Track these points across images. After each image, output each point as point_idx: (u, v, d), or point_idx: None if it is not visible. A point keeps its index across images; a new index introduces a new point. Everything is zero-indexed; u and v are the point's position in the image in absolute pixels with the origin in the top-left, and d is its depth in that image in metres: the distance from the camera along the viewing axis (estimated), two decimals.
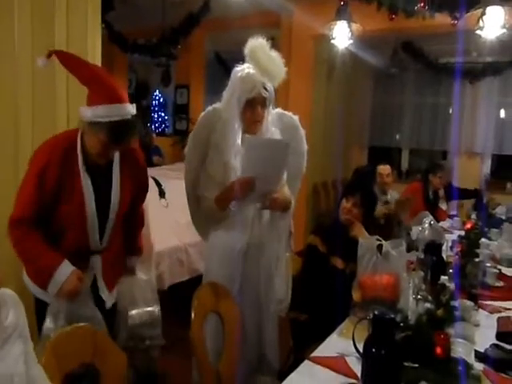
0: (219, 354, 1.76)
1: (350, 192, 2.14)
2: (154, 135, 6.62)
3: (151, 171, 3.28)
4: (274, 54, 1.80)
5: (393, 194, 3.72)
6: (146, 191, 1.86)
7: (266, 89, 1.77)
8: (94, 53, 2.70)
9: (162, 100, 8.06)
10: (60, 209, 1.56)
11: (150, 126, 7.84)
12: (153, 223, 2.77)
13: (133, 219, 1.83)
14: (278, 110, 2.03)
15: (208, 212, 1.94)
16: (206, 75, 6.46)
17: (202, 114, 1.97)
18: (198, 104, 6.32)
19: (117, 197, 1.64)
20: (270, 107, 1.88)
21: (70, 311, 1.56)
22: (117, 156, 1.64)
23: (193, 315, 1.64)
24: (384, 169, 3.70)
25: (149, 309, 1.93)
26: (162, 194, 3.00)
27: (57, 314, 1.55)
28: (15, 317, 0.94)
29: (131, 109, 1.54)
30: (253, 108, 1.79)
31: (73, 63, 1.61)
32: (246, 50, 1.79)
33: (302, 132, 2.04)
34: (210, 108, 1.95)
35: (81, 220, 1.59)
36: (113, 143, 1.50)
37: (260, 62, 1.75)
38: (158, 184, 3.01)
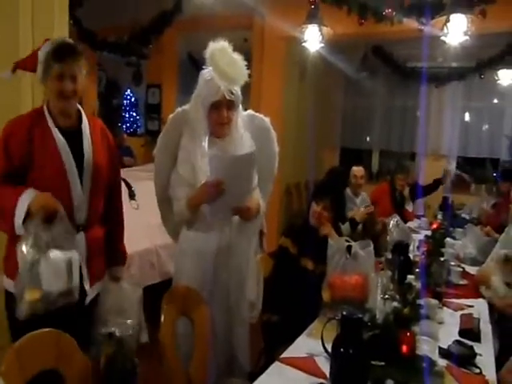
0: (189, 357, 1.75)
1: (319, 195, 2.17)
2: (125, 135, 6.50)
3: (122, 173, 3.22)
4: (236, 57, 1.79)
5: (363, 196, 3.79)
6: (118, 160, 1.92)
7: (231, 92, 1.77)
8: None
9: (133, 99, 7.94)
10: (36, 175, 1.57)
11: (121, 125, 7.70)
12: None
13: (112, 212, 1.86)
14: (249, 111, 2.04)
15: (178, 214, 1.92)
16: (179, 75, 6.40)
17: (171, 115, 1.95)
18: (171, 104, 6.26)
19: (89, 153, 1.67)
20: (239, 109, 1.87)
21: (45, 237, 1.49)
22: (85, 121, 1.70)
23: (162, 318, 1.62)
24: (358, 170, 3.74)
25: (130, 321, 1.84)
26: (132, 195, 2.95)
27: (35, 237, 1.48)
28: None
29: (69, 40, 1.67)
30: (218, 111, 1.79)
31: (31, 62, 1.66)
32: (207, 54, 1.77)
33: (274, 134, 2.04)
34: (179, 109, 1.94)
35: (61, 179, 1.60)
36: (56, 60, 1.57)
37: (219, 65, 1.74)
38: (128, 186, 2.96)
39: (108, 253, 1.84)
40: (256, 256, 2.06)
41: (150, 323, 2.06)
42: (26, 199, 1.49)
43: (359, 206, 3.50)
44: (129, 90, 7.88)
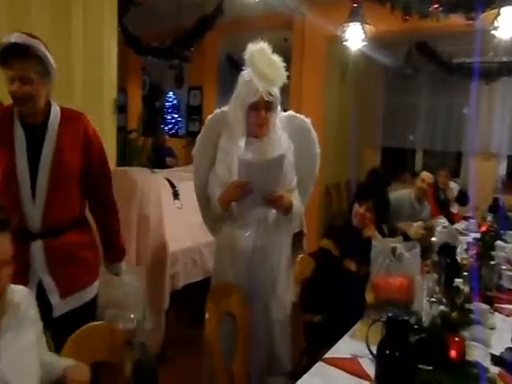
0: (232, 354, 1.78)
1: (362, 196, 2.13)
2: (167, 136, 6.68)
3: (164, 173, 3.32)
4: (275, 58, 1.80)
5: (427, 208, 3.56)
6: (102, 162, 1.73)
7: (270, 93, 1.77)
8: (109, 56, 2.76)
9: (175, 102, 8.13)
10: None
11: (164, 127, 7.91)
12: (167, 224, 2.81)
13: (101, 208, 1.74)
14: (290, 112, 2.04)
15: (214, 212, 1.96)
16: (219, 77, 6.50)
17: (210, 116, 1.98)
18: (211, 105, 6.37)
19: (48, 154, 1.52)
20: (277, 110, 1.88)
21: None
22: (56, 117, 1.58)
23: (207, 315, 1.66)
24: (428, 176, 3.54)
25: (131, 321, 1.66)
26: (175, 195, 3.03)
27: None
28: (26, 306, 1.06)
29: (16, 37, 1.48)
30: (257, 111, 1.80)
31: None
32: (246, 55, 1.79)
33: (314, 135, 2.03)
34: (217, 111, 1.97)
35: (11, 180, 1.47)
36: (3, 65, 1.47)
37: (258, 66, 1.76)
38: (172, 185, 3.04)
39: (104, 249, 1.76)
40: (289, 257, 2.03)
41: (192, 320, 2.11)
42: None
43: (419, 216, 3.32)
44: (171, 93, 8.08)
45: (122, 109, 6.25)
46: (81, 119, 1.66)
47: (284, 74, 1.81)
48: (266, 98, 1.77)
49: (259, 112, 1.80)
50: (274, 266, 1.94)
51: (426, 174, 3.56)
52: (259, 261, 1.88)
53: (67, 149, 1.56)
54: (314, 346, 2.03)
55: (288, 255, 2.03)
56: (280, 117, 1.94)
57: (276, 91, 1.81)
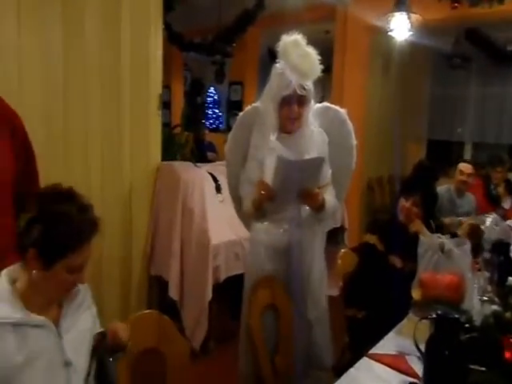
0: (273, 346, 1.79)
1: (408, 191, 2.08)
2: (207, 131, 6.77)
3: (206, 167, 3.38)
4: (309, 50, 1.75)
5: (469, 198, 3.44)
6: (31, 163, 1.50)
7: (303, 87, 1.72)
8: (155, 54, 2.84)
9: (216, 97, 8.23)
10: None
11: (204, 122, 8.03)
12: (210, 217, 2.86)
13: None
14: (324, 103, 1.99)
15: (245, 211, 1.97)
16: (260, 71, 6.51)
17: (241, 113, 1.97)
18: (252, 100, 6.33)
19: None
20: (311, 105, 1.82)
21: None
22: None
23: (250, 309, 1.68)
24: (465, 167, 3.40)
25: None
26: (218, 189, 3.07)
27: None
28: (83, 293, 1.14)
29: None
30: (289, 105, 1.75)
31: None
32: (279, 47, 1.75)
33: (350, 126, 1.97)
34: (249, 107, 1.95)
35: None
36: None
37: (290, 59, 1.71)
38: (215, 179, 3.09)
39: None
40: (322, 253, 2.00)
41: (234, 312, 2.14)
42: None
43: (460, 209, 3.22)
44: (212, 88, 8.18)
45: (165, 105, 6.39)
46: (14, 118, 1.45)
47: (318, 66, 1.75)
48: (299, 92, 1.72)
49: (292, 106, 1.75)
50: (308, 262, 1.91)
51: (463, 165, 3.42)
52: (294, 257, 1.86)
53: None
54: (356, 341, 2.01)
55: (321, 252, 2.00)
56: (314, 109, 1.90)
57: (309, 85, 1.75)
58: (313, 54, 1.75)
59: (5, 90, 2.05)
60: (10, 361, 0.96)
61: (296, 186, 1.74)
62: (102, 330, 1.16)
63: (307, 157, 1.77)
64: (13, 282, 1.03)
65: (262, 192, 1.76)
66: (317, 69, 1.75)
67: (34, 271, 1.00)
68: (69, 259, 0.99)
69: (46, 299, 1.05)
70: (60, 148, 2.37)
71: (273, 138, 1.81)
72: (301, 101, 1.76)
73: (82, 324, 1.12)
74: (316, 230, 1.95)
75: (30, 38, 2.18)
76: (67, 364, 1.05)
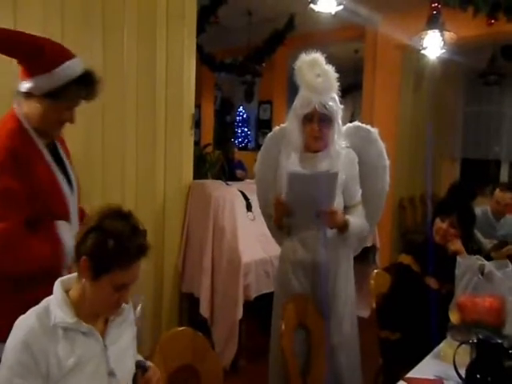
0: (305, 365, 1.77)
1: (445, 211, 2.02)
2: (237, 149, 6.86)
3: (237, 185, 3.42)
4: (327, 68, 1.76)
5: (508, 219, 3.24)
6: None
7: (325, 106, 1.74)
8: (189, 75, 2.93)
9: (245, 116, 8.35)
10: (39, 205, 1.34)
11: (234, 140, 8.15)
12: (240, 235, 2.88)
13: None
14: (355, 123, 2.00)
15: (273, 230, 1.99)
16: (289, 91, 6.57)
17: (270, 133, 2.02)
18: (281, 119, 6.37)
19: (72, 172, 1.50)
20: (336, 125, 1.82)
21: None
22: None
23: (283, 326, 1.67)
24: (503, 197, 3.18)
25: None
26: (248, 207, 3.09)
27: None
28: (127, 310, 1.18)
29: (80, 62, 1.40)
30: (311, 123, 1.77)
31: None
32: (295, 66, 1.78)
33: (382, 146, 1.95)
34: (277, 127, 2.00)
35: (64, 207, 1.40)
36: (87, 97, 1.38)
37: (305, 78, 1.74)
38: (246, 198, 3.11)
39: None
40: (348, 274, 1.96)
41: (264, 330, 2.13)
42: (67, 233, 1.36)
43: (500, 233, 3.10)
44: (241, 107, 8.31)
45: (195, 124, 6.53)
46: (63, 140, 1.59)
47: (335, 83, 1.77)
48: (319, 110, 1.74)
49: (313, 124, 1.77)
50: (331, 284, 1.88)
51: (500, 196, 3.19)
52: (319, 277, 1.85)
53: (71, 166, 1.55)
54: (390, 364, 1.95)
55: (348, 274, 1.95)
56: (344, 129, 1.91)
57: (332, 104, 1.76)
58: (330, 71, 1.77)
59: None
60: (61, 362, 1.00)
61: (311, 200, 1.72)
62: (143, 361, 1.17)
63: (330, 171, 1.77)
64: (66, 290, 1.10)
65: (278, 204, 1.79)
66: (334, 85, 1.77)
67: (84, 280, 1.05)
68: (115, 275, 1.03)
69: (94, 311, 1.09)
70: (99, 166, 2.46)
71: (295, 156, 1.84)
72: (323, 120, 1.77)
73: (124, 339, 1.15)
74: (340, 252, 1.91)
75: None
76: (111, 374, 1.08)
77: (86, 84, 1.37)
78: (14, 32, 1.40)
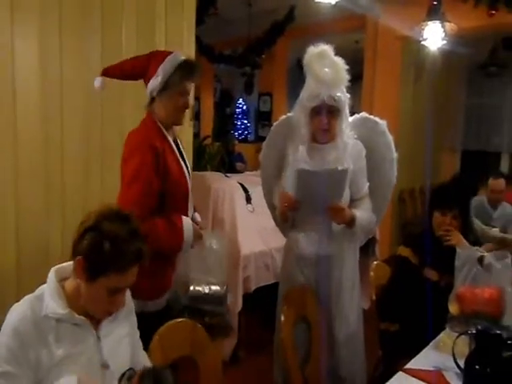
0: (304, 358, 1.77)
1: (447, 205, 2.00)
2: (236, 142, 6.84)
3: (236, 177, 3.41)
4: (336, 60, 1.74)
5: (505, 209, 3.31)
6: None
7: (333, 98, 1.71)
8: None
9: (245, 108, 8.32)
10: (168, 192, 1.60)
11: (233, 133, 8.12)
12: (240, 228, 2.88)
13: None
14: (363, 114, 1.97)
15: (277, 221, 1.99)
16: (289, 82, 6.54)
17: (276, 122, 2.00)
18: (281, 111, 6.42)
19: (190, 166, 1.75)
20: (344, 116, 1.80)
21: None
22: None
23: (283, 318, 1.67)
24: (496, 184, 3.27)
25: (214, 286, 1.73)
26: (248, 199, 3.09)
27: None
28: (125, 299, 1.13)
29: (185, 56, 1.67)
30: (319, 116, 1.75)
31: (118, 70, 1.72)
32: (304, 59, 1.75)
33: (389, 138, 1.93)
34: (283, 116, 1.97)
35: (186, 197, 1.67)
36: (188, 78, 1.61)
37: (315, 69, 1.71)
38: (245, 190, 3.11)
39: None
40: (354, 269, 1.95)
41: (264, 322, 2.14)
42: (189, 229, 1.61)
43: (496, 220, 3.12)
44: (241, 99, 8.28)
45: (195, 116, 6.52)
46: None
47: (345, 76, 1.74)
48: (328, 103, 1.71)
49: (321, 117, 1.74)
50: (336, 278, 1.88)
51: (494, 183, 3.27)
52: (323, 271, 1.84)
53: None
54: (390, 355, 1.96)
55: (353, 268, 1.95)
56: (352, 120, 1.89)
57: (340, 95, 1.74)
58: (339, 63, 1.75)
59: (48, 111, 2.18)
60: (52, 353, 1.00)
61: (320, 197, 1.71)
62: (132, 369, 1.09)
63: (340, 168, 1.75)
64: (62, 279, 1.08)
65: (285, 204, 1.78)
66: (343, 78, 1.74)
67: (79, 280, 1.04)
68: (110, 279, 1.01)
69: (87, 309, 1.07)
70: (97, 164, 2.42)
71: (302, 148, 1.82)
72: (331, 112, 1.75)
73: (120, 330, 1.14)
74: (346, 246, 1.91)
75: (72, 55, 2.28)
76: (104, 366, 1.08)
77: (185, 69, 1.61)
78: (128, 62, 1.71)
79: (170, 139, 1.65)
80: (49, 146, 2.20)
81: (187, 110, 1.71)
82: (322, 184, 1.69)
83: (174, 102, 1.62)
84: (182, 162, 1.67)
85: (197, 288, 1.68)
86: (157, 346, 1.31)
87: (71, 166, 2.29)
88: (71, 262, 1.08)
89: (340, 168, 1.73)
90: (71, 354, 1.02)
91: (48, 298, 1.03)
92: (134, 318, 1.22)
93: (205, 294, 1.68)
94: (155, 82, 1.59)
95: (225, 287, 1.72)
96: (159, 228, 1.54)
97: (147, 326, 1.28)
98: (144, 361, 1.23)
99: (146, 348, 1.28)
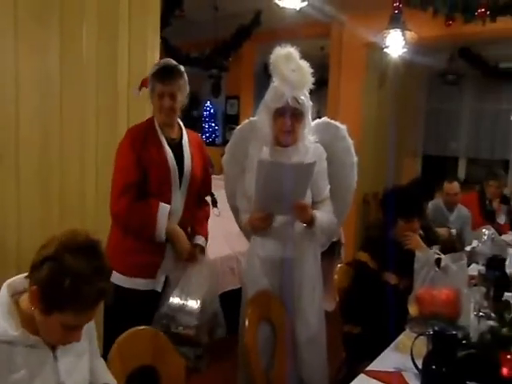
0: (269, 362, 1.77)
1: (409, 214, 2.05)
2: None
3: None
4: (301, 63, 1.76)
5: (460, 211, 3.47)
6: (210, 167, 2.14)
7: (297, 100, 1.73)
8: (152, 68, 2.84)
9: (212, 111, 8.27)
10: (148, 179, 1.78)
11: (201, 136, 8.05)
12: None
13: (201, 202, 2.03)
14: (325, 119, 2.00)
15: (241, 227, 2.00)
16: (256, 86, 6.56)
17: (238, 126, 2.01)
18: (248, 114, 6.40)
19: (189, 166, 1.85)
20: (306, 120, 1.82)
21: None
22: (185, 135, 1.90)
23: (246, 322, 1.66)
24: (451, 188, 3.42)
25: (190, 300, 1.84)
26: (214, 203, 3.06)
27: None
28: None
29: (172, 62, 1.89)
30: (282, 118, 1.76)
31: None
32: (271, 59, 1.77)
33: (349, 143, 1.97)
34: (246, 121, 1.99)
35: (166, 186, 1.80)
36: (159, 81, 1.78)
37: (281, 70, 1.73)
38: (211, 193, 3.08)
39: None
40: (317, 272, 1.97)
41: (229, 327, 2.12)
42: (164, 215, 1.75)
43: (453, 223, 3.25)
44: (208, 102, 8.22)
45: None
46: (197, 136, 2.02)
47: (310, 79, 1.76)
48: (292, 104, 1.73)
49: (285, 119, 1.75)
50: (297, 279, 1.89)
51: (448, 186, 3.44)
52: (287, 273, 1.85)
53: (196, 163, 1.89)
54: (353, 357, 1.99)
55: (315, 270, 1.96)
56: (313, 124, 1.90)
57: (304, 99, 1.75)
58: (304, 66, 1.77)
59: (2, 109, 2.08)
60: (6, 377, 0.93)
61: (281, 193, 1.70)
62: None
63: (306, 162, 1.76)
64: (16, 293, 1.00)
65: (257, 220, 1.81)
66: (308, 80, 1.76)
67: (33, 308, 0.96)
68: (65, 316, 0.93)
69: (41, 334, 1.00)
70: (57, 172, 2.33)
71: (266, 149, 1.82)
72: (294, 114, 1.76)
73: (78, 347, 1.08)
74: (307, 247, 1.91)
75: (29, 56, 2.18)
76: None
77: (157, 73, 1.81)
78: None
79: (160, 134, 1.82)
80: None
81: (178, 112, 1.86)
82: (287, 178, 1.68)
83: (154, 104, 1.83)
84: (172, 155, 1.81)
85: (176, 298, 1.82)
86: (116, 355, 1.27)
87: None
88: (22, 276, 1.01)
89: (306, 162, 1.74)
90: (25, 378, 0.95)
91: None
92: (94, 332, 1.16)
93: (180, 305, 1.81)
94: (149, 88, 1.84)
95: (198, 306, 1.83)
96: (135, 207, 1.75)
97: (138, 303, 1.58)
98: (102, 371, 1.18)
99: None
